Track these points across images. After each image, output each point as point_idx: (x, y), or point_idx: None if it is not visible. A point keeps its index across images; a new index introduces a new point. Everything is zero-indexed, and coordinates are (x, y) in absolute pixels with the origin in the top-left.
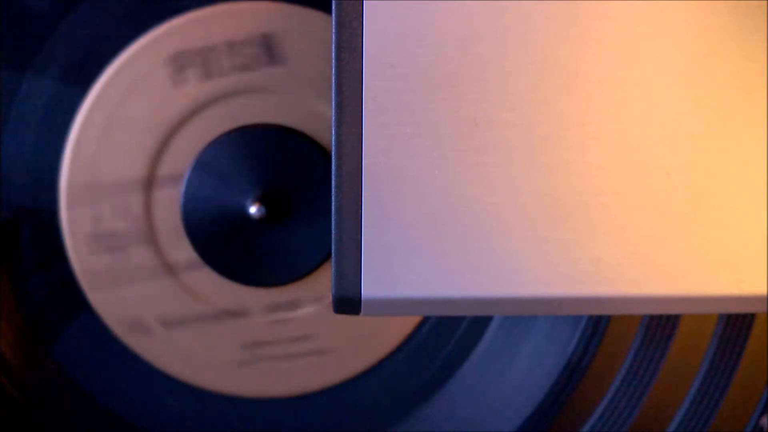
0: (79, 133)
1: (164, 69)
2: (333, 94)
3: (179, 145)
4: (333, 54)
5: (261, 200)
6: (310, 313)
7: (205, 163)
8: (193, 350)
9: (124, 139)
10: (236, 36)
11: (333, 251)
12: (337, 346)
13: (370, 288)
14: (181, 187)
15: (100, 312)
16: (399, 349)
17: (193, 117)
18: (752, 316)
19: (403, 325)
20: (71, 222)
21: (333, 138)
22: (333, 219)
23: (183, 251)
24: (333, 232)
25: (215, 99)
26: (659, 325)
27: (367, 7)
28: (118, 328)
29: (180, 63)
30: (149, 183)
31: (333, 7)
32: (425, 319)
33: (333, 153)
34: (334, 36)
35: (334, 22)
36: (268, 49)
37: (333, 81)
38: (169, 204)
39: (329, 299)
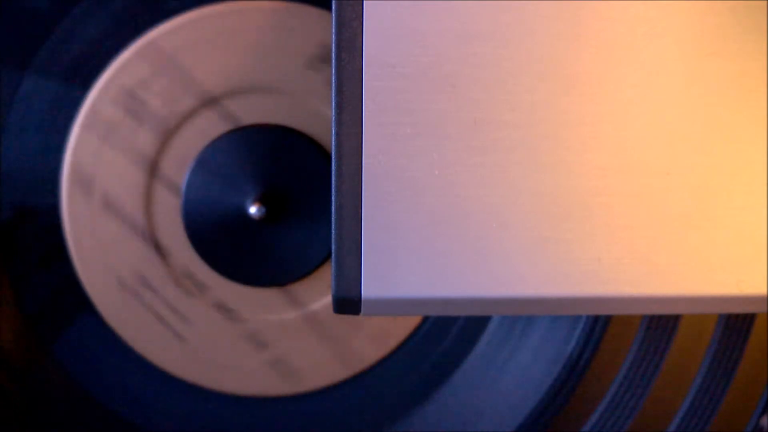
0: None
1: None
2: (333, 94)
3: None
4: (333, 54)
5: (261, 200)
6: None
7: (205, 163)
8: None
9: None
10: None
11: (333, 251)
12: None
13: (370, 288)
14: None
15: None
16: (398, 347)
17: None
18: (752, 316)
19: (404, 325)
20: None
21: (333, 138)
22: (333, 219)
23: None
24: (333, 232)
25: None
26: (659, 325)
27: (367, 7)
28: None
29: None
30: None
31: (333, 7)
32: (425, 319)
33: (333, 153)
34: (334, 36)
35: (334, 22)
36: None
37: (333, 81)
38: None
39: (329, 299)
